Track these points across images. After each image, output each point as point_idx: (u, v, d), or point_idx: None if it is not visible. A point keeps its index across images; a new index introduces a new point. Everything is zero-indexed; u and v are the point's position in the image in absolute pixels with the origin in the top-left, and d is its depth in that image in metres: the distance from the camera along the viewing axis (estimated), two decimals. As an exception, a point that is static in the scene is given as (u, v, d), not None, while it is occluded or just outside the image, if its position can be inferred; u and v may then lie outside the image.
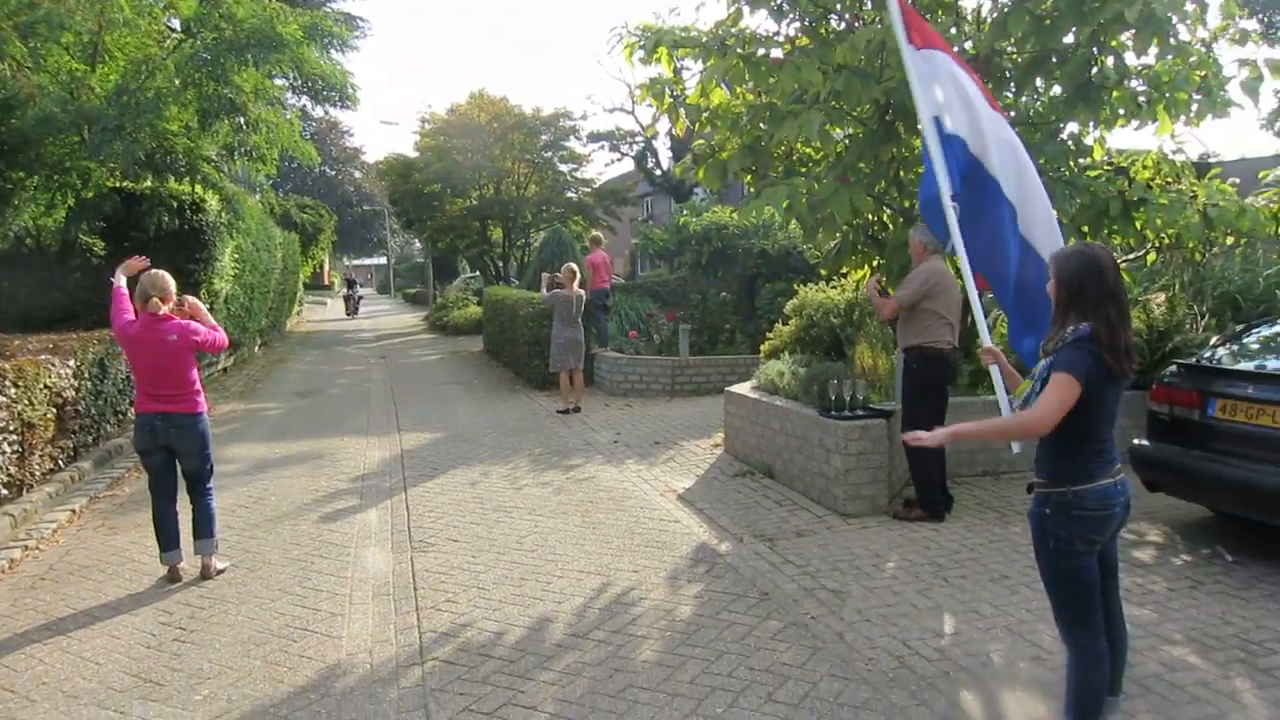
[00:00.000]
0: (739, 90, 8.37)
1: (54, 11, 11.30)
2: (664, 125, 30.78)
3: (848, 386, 6.94)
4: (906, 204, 7.96)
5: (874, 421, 6.69)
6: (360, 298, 37.86)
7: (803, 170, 8.35)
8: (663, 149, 31.08)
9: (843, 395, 6.90)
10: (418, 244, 73.00)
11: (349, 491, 7.80)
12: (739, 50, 7.16)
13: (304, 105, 23.50)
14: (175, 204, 12.65)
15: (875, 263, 8.47)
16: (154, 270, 5.60)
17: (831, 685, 3.94)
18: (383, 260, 72.61)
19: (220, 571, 5.70)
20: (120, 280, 5.66)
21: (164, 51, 12.72)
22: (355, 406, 12.71)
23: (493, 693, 3.98)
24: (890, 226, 8.28)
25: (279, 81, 13.17)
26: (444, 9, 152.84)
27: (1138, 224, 7.29)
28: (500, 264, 28.25)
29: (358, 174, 64.33)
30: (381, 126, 72.95)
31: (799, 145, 8.51)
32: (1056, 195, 6.59)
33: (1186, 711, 3.62)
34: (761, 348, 11.30)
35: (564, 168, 27.39)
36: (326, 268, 63.74)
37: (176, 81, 11.96)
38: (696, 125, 8.62)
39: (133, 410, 10.15)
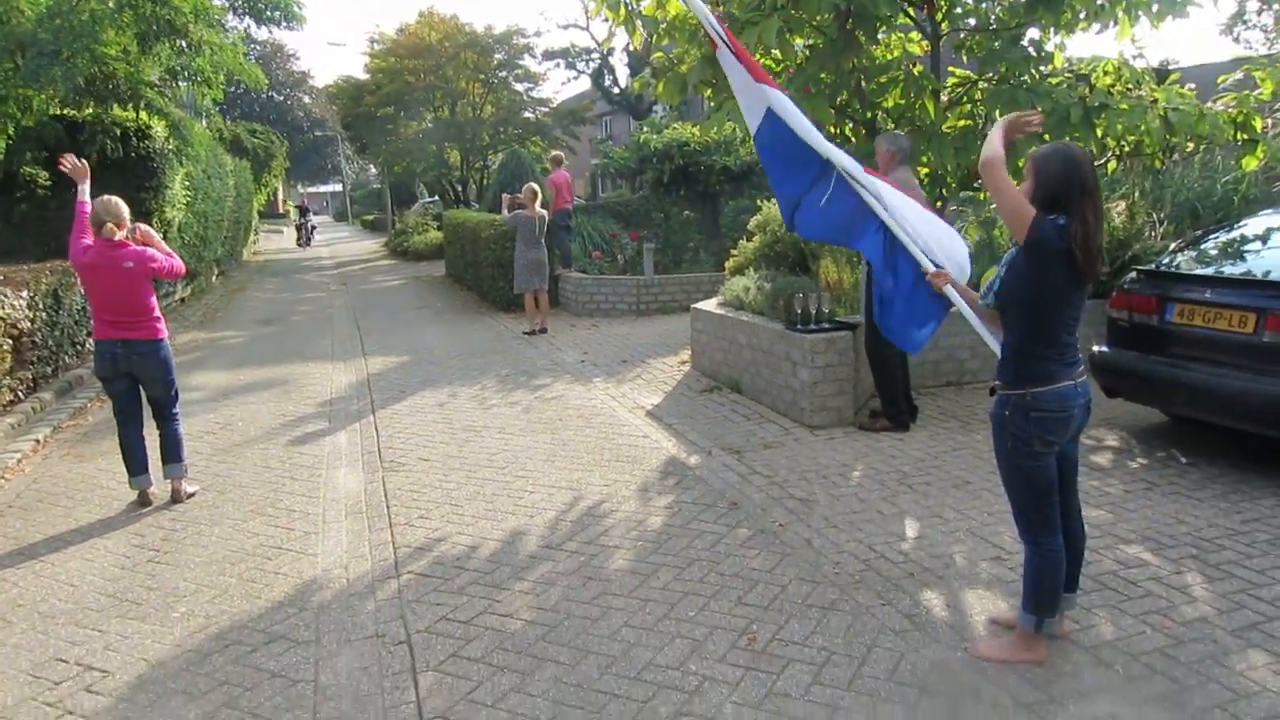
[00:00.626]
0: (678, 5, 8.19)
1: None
2: (621, 41, 30.22)
3: (814, 300, 6.99)
4: (869, 115, 7.92)
5: (840, 334, 6.76)
6: (314, 226, 34.94)
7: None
8: (620, 66, 30.51)
9: (809, 309, 6.95)
10: (373, 170, 71.59)
11: (317, 415, 7.78)
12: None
13: (247, 27, 22.69)
14: (119, 131, 12.24)
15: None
16: (107, 196, 5.46)
17: (800, 588, 4.06)
18: (338, 187, 71.09)
19: (191, 495, 5.71)
20: (84, 193, 5.50)
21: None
22: (319, 333, 12.59)
23: (468, 602, 4.07)
24: (853, 139, 8.26)
25: (218, 2, 12.64)
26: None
27: (1099, 130, 7.32)
28: (459, 187, 27.81)
29: (307, 99, 62.46)
30: (328, 49, 70.50)
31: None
32: (1019, 103, 6.60)
33: (1140, 605, 3.78)
34: (726, 265, 11.32)
35: (519, 87, 26.85)
36: (280, 195, 62.27)
37: (111, 3, 11.46)
38: (654, 38, 8.48)
39: (91, 340, 10.04)
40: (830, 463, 5.86)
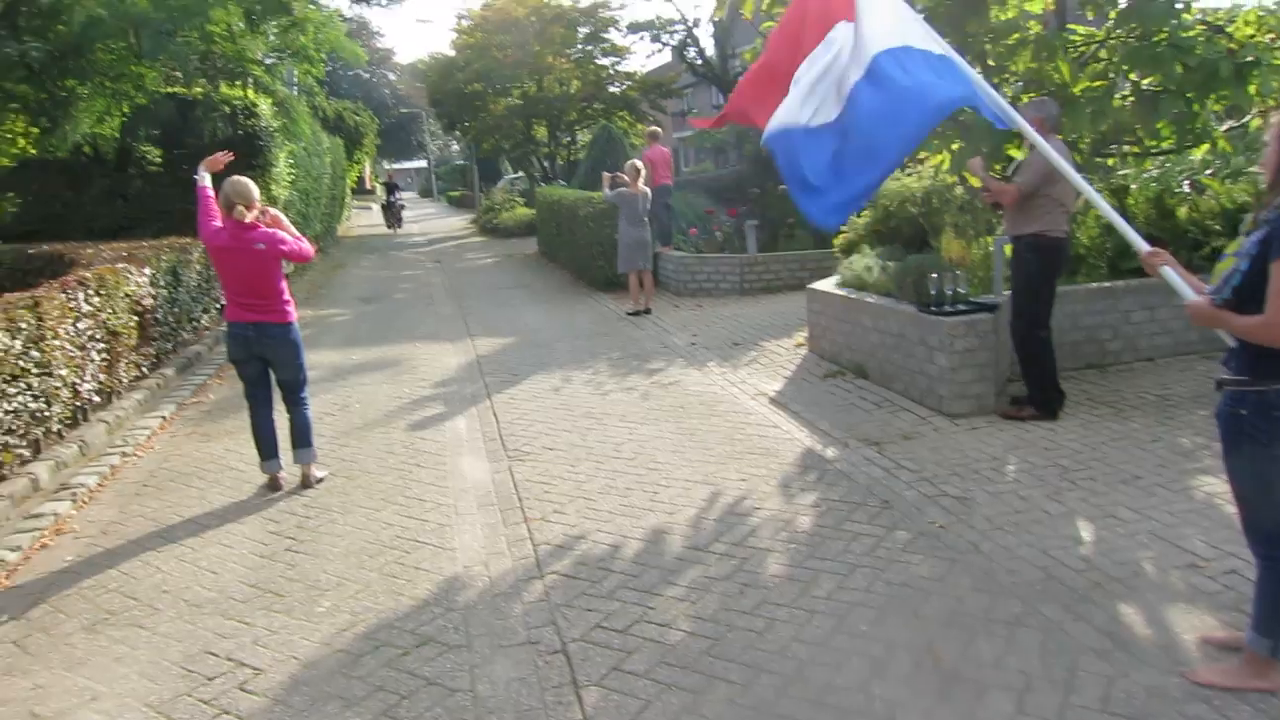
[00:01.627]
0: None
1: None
2: (706, 12, 29.61)
3: (948, 280, 6.60)
4: (995, 80, 7.46)
5: (980, 316, 6.37)
6: (403, 205, 30.09)
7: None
8: (705, 37, 29.89)
9: (943, 289, 6.57)
10: (456, 146, 72.19)
11: (433, 398, 7.70)
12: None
13: (337, 7, 22.92)
14: (228, 109, 12.38)
15: (955, 146, 8.04)
16: (236, 176, 5.38)
17: (978, 600, 3.76)
18: (422, 164, 71.89)
19: (320, 480, 5.65)
20: (205, 179, 5.44)
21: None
22: (422, 312, 12.59)
23: (621, 609, 3.87)
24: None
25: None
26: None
27: (1251, 88, 6.72)
28: (547, 164, 27.69)
29: (392, 76, 63.18)
30: (411, 27, 71.09)
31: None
32: (1161, 60, 6.11)
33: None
34: (834, 241, 10.92)
35: (605, 61, 26.51)
36: (368, 172, 63.31)
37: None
38: (765, 5, 8.15)
39: (207, 317, 10.19)
40: (979, 456, 5.50)
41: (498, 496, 5.31)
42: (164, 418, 7.22)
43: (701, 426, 6.45)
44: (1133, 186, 8.49)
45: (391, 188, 29.66)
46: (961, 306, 6.51)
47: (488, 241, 24.58)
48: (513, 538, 4.71)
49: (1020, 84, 7.39)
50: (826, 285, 8.39)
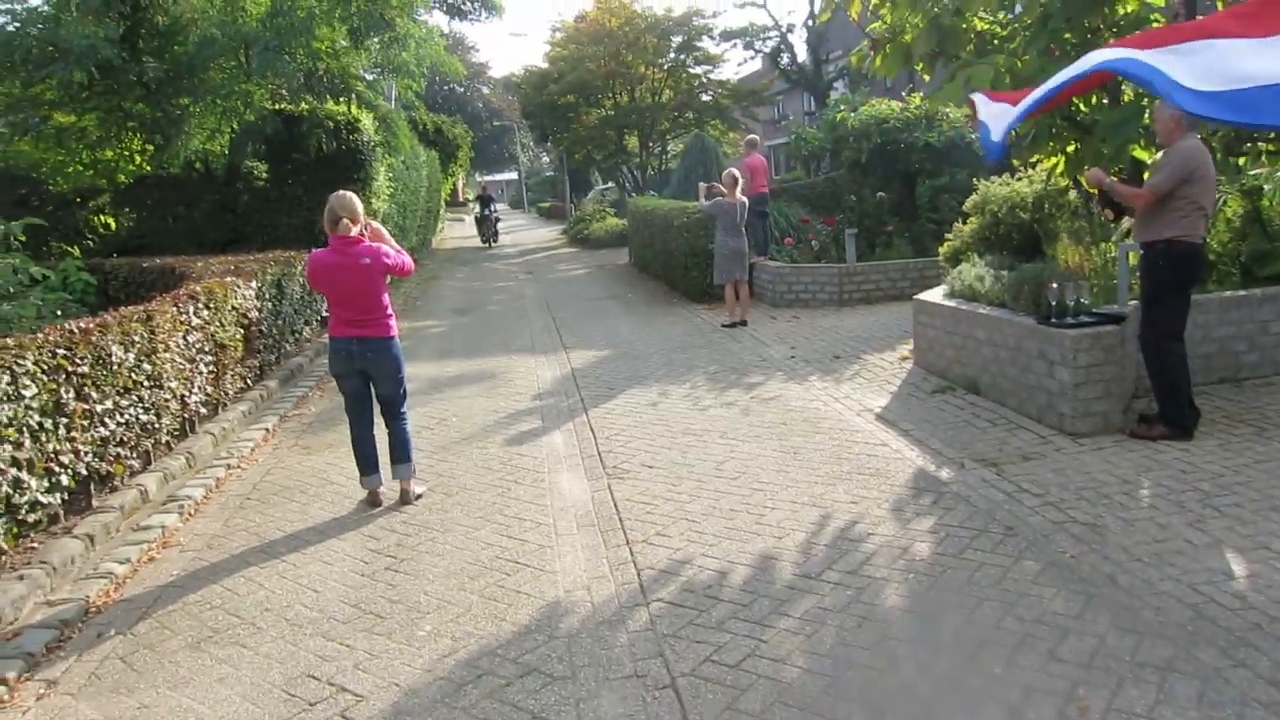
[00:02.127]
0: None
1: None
2: (800, 17, 29.24)
3: (1070, 290, 6.21)
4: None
5: (1106, 329, 5.97)
6: (498, 218, 28.30)
7: (990, 47, 7.54)
8: (798, 43, 29.54)
9: (1064, 300, 6.18)
10: (546, 158, 73.11)
11: (528, 412, 7.63)
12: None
13: (436, 23, 23.34)
14: (332, 125, 12.64)
15: (1070, 149, 7.62)
16: (341, 190, 5.38)
17: (1122, 641, 3.45)
18: (512, 175, 72.97)
19: (419, 496, 5.60)
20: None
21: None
22: (515, 323, 12.62)
23: (732, 641, 3.67)
24: (1084, 106, 7.40)
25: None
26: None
27: None
28: (638, 174, 27.69)
29: (485, 89, 64.33)
30: (504, 41, 72.34)
31: (984, 23, 7.68)
32: None
33: None
34: (940, 250, 10.53)
35: (698, 70, 26.41)
36: (461, 184, 64.53)
37: (326, 0, 11.81)
38: (871, 7, 7.89)
39: (309, 329, 10.37)
40: (1108, 479, 5.13)
41: (598, 516, 5.17)
42: (267, 430, 7.31)
43: (806, 444, 6.20)
44: (1266, 188, 7.93)
45: (486, 200, 27.81)
46: (1085, 318, 6.12)
47: (579, 252, 24.66)
48: (615, 561, 4.55)
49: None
50: (934, 296, 8.04)
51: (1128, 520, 4.55)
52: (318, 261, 5.32)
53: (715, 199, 10.95)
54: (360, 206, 5.36)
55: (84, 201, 13.00)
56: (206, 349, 6.97)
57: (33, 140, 12.21)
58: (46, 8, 11.23)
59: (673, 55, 25.39)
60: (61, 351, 4.87)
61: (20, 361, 4.49)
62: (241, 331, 7.85)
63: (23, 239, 9.01)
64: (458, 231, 37.85)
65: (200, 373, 6.83)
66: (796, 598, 4.00)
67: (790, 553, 4.48)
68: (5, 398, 4.38)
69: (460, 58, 61.06)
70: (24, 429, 4.51)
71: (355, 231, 5.27)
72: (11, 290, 7.81)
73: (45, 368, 4.73)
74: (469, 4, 12.77)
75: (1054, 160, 8.00)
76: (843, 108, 14.83)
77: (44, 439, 4.69)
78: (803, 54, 28.79)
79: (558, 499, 5.49)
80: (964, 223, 10.25)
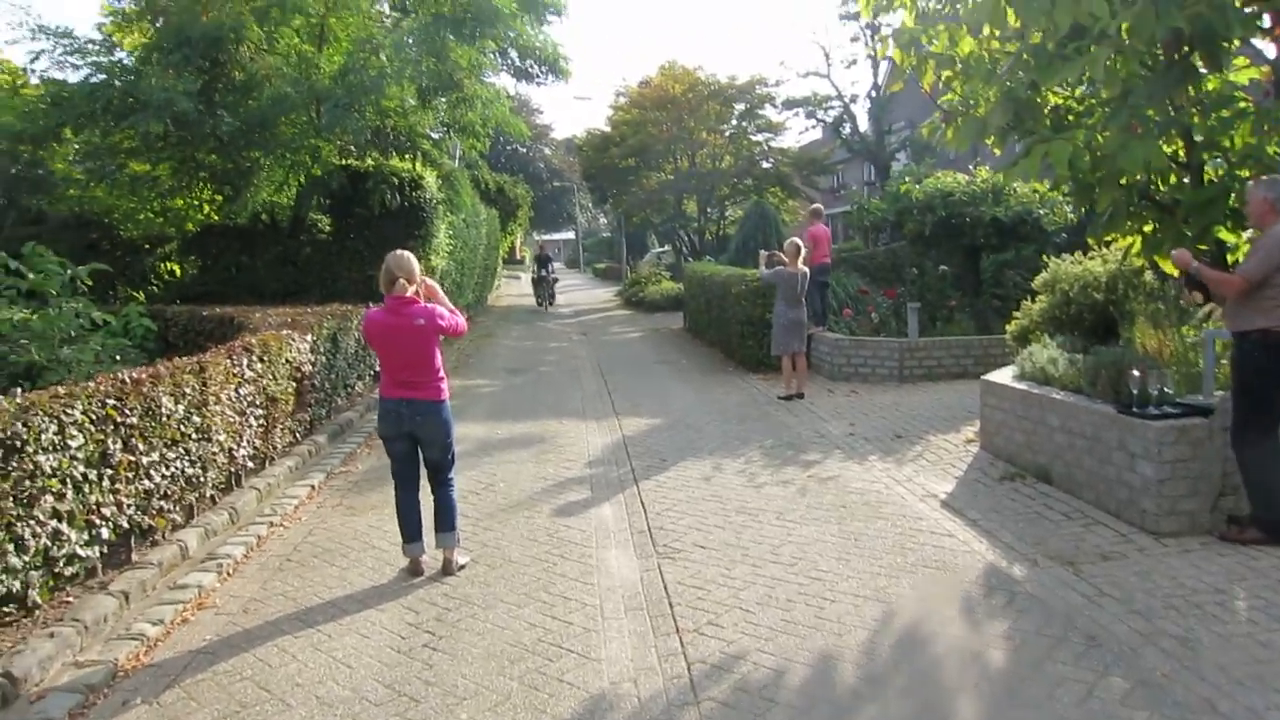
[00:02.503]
0: (983, 38, 7.39)
1: (289, -7, 11.56)
2: (863, 88, 29.31)
3: (1154, 378, 5.88)
4: (1204, 158, 6.78)
5: (1193, 421, 5.61)
6: (556, 279, 26.70)
7: (1067, 122, 7.32)
8: (860, 113, 29.58)
9: (1145, 388, 5.85)
10: (603, 220, 74.03)
11: (577, 481, 7.43)
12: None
13: (503, 85, 23.86)
14: (396, 181, 12.79)
15: (1147, 228, 7.32)
16: (399, 250, 5.31)
17: (1230, 782, 3.09)
18: (569, 235, 73.90)
19: (462, 567, 5.40)
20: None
21: (384, 31, 12.85)
22: (568, 386, 12.49)
23: (790, 751, 3.38)
24: (1164, 185, 7.12)
25: (492, 57, 13.04)
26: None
27: None
28: (695, 238, 27.73)
29: (547, 151, 65.55)
30: (566, 105, 73.90)
31: (1060, 98, 7.47)
32: None
33: None
34: (1006, 328, 10.20)
35: (759, 137, 26.54)
36: (518, 243, 65.42)
37: (397, 60, 12.03)
38: (944, 78, 7.72)
39: (361, 384, 10.34)
40: (1199, 586, 4.75)
41: (647, 600, 4.91)
42: (312, 487, 7.20)
43: (867, 530, 5.90)
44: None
45: (544, 260, 26.35)
46: (1169, 408, 5.77)
47: (633, 315, 24.63)
48: (664, 651, 4.28)
49: (1235, 161, 6.69)
50: (1003, 377, 7.73)
51: (1224, 636, 4.18)
52: (372, 320, 5.24)
53: (777, 268, 10.77)
54: (417, 267, 5.28)
55: (152, 248, 13.28)
56: (258, 402, 6.91)
57: (107, 187, 12.53)
58: (130, 61, 11.60)
59: (735, 122, 25.54)
60: (111, 402, 4.81)
61: (69, 411, 4.43)
62: (294, 385, 7.80)
63: (89, 283, 9.14)
64: (513, 289, 38.22)
65: (250, 426, 6.75)
66: (860, 705, 3.70)
67: (852, 652, 4.17)
68: (51, 447, 4.30)
69: (525, 119, 62.33)
70: (67, 480, 4.43)
71: (411, 291, 5.17)
72: (73, 334, 7.87)
73: (94, 418, 4.67)
74: (536, 68, 12.90)
75: (1130, 239, 7.70)
76: (907, 179, 14.63)
77: (87, 490, 4.60)
78: (864, 123, 28.83)
79: (605, 578, 5.25)
80: (1032, 300, 9.94)
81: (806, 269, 10.86)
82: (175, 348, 9.95)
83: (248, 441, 6.72)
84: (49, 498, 4.28)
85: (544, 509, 6.66)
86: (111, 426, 4.80)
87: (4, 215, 12.83)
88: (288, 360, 7.59)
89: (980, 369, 11.83)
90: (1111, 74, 6.28)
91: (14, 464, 4.05)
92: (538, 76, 12.91)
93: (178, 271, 13.38)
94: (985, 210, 13.53)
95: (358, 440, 8.87)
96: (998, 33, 7.00)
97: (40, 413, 4.24)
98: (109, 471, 4.79)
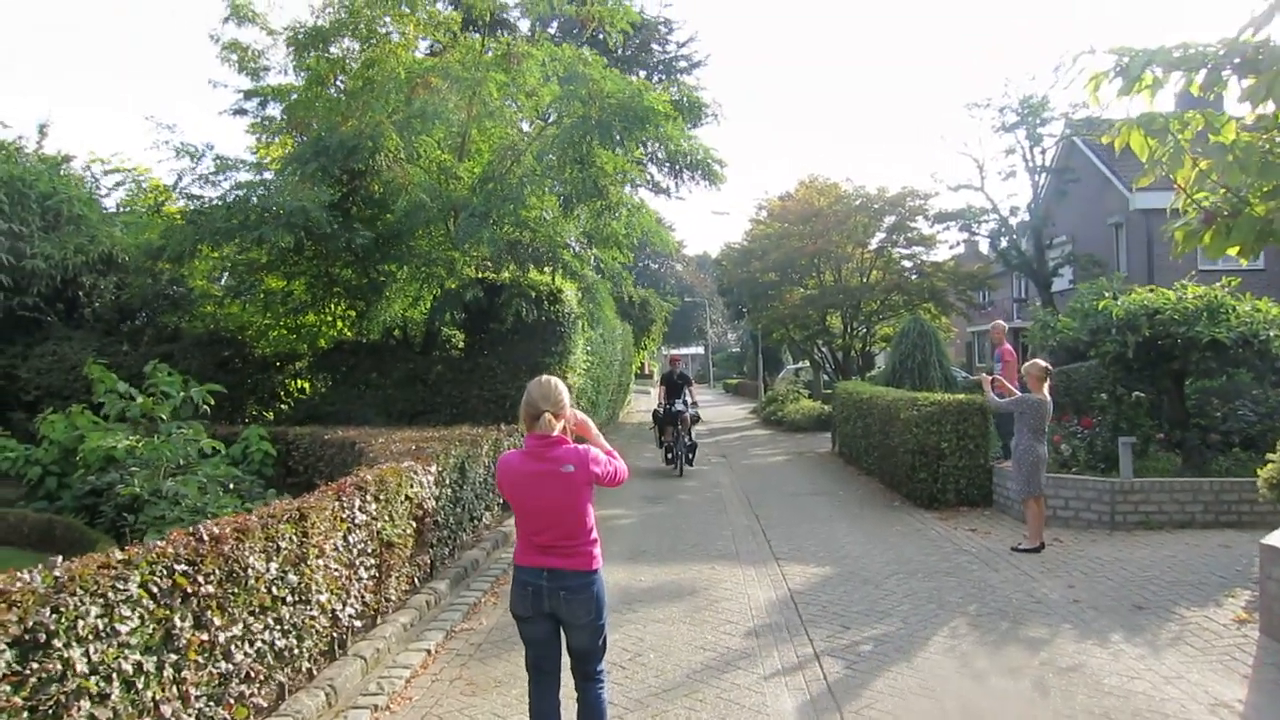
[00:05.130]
0: (1268, 126, 5.99)
1: (430, 103, 11.16)
2: (1023, 199, 27.57)
3: None
4: None
5: None
6: (696, 414, 15.82)
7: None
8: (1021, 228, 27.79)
9: None
10: (731, 335, 73.29)
11: (744, 656, 6.04)
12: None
13: (640, 197, 23.47)
14: (534, 294, 12.04)
15: None
16: (545, 376, 4.22)
17: None
18: (697, 349, 73.45)
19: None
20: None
21: (526, 139, 12.36)
22: (713, 519, 11.15)
23: None
24: None
25: (641, 163, 12.31)
26: (766, 96, 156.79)
27: None
28: (839, 355, 26.29)
29: (679, 266, 65.82)
30: (697, 218, 74.46)
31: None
32: None
33: None
34: (1259, 473, 8.38)
35: (910, 250, 25.22)
36: (647, 357, 65.16)
37: (539, 167, 11.44)
38: (1197, 170, 6.32)
39: (489, 515, 9.28)
40: None
41: None
42: (429, 651, 6.05)
43: (1158, 764, 4.29)
44: None
45: (675, 384, 15.47)
46: None
47: (773, 435, 23.18)
48: None
49: None
50: (1289, 542, 6.02)
51: None
52: (509, 466, 4.10)
53: (1024, 394, 9.12)
54: (568, 397, 4.15)
55: (282, 365, 12.88)
56: (369, 550, 5.87)
57: (242, 303, 12.24)
58: (270, 175, 11.37)
59: (882, 235, 24.34)
60: (182, 568, 3.80)
61: (119, 586, 3.41)
62: (414, 525, 6.77)
63: (210, 403, 8.53)
64: (642, 404, 37.32)
65: (359, 579, 5.71)
66: None
67: None
68: (92, 636, 3.28)
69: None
70: (114, 676, 3.39)
71: (559, 429, 4.05)
72: (182, 461, 7.13)
73: (157, 589, 3.65)
74: (686, 173, 12.02)
75: None
76: (1106, 294, 12.94)
77: (141, 685, 3.55)
78: (1024, 242, 27.09)
79: (806, 828, 3.83)
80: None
81: (1050, 398, 9.18)
82: (295, 473, 9.22)
83: (355, 597, 5.66)
84: (84, 703, 3.23)
85: (707, 695, 5.30)
86: (180, 599, 3.78)
87: (141, 333, 12.70)
88: (407, 497, 6.59)
89: (1210, 517, 9.93)
90: None
91: (34, 664, 3.03)
92: (694, 179, 11.98)
93: (307, 389, 12.90)
94: (1202, 330, 11.69)
95: (484, 586, 7.75)
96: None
97: (80, 590, 3.23)
98: (174, 656, 3.74)
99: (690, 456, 15.36)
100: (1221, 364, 12.69)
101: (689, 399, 15.36)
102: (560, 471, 3.95)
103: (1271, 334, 11.61)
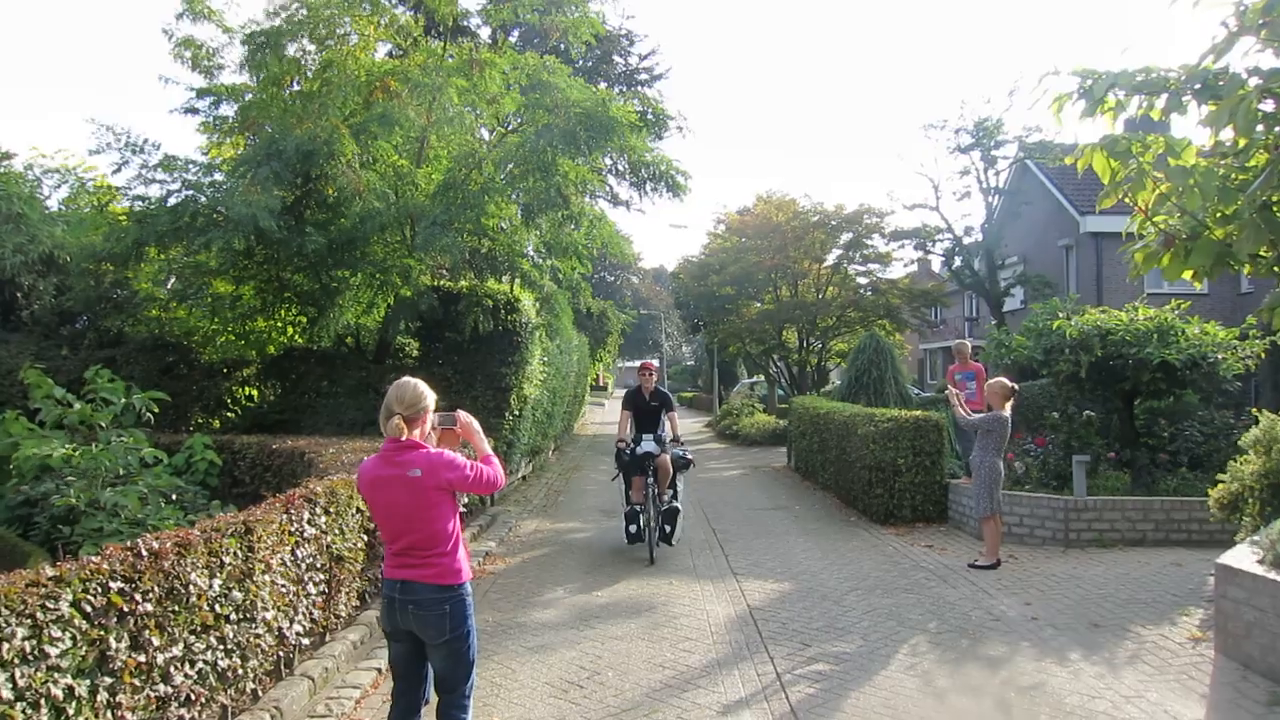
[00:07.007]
0: (1224, 151, 6.07)
1: (389, 107, 10.96)
2: (977, 219, 27.97)
3: None
4: None
5: None
6: (690, 459, 10.58)
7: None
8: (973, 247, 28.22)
9: None
10: (686, 349, 73.41)
11: (703, 674, 5.92)
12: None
13: (600, 208, 23.33)
14: (491, 303, 11.85)
15: None
16: (405, 378, 4.00)
17: None
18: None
19: None
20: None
21: (486, 147, 12.19)
22: (670, 534, 11.03)
23: None
24: None
25: (602, 173, 12.21)
26: (726, 110, 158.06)
27: None
28: (795, 369, 26.40)
29: (634, 279, 65.81)
30: (653, 232, 74.66)
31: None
32: None
33: None
34: (1210, 493, 8.49)
35: (866, 267, 25.45)
36: (602, 369, 64.96)
37: (500, 176, 11.28)
38: (1157, 193, 6.38)
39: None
40: None
41: None
42: (379, 670, 5.83)
43: (1123, 787, 4.25)
44: None
45: (651, 409, 10.13)
46: None
47: (728, 449, 23.16)
48: None
49: None
50: (1246, 562, 6.06)
51: None
52: (363, 470, 3.90)
53: (991, 413, 9.12)
54: (430, 399, 3.92)
55: (230, 372, 12.52)
56: (319, 564, 5.66)
57: (189, 308, 11.87)
58: (221, 176, 11.05)
59: (839, 251, 24.52)
60: (118, 585, 3.59)
61: (49, 605, 3.20)
62: (365, 538, 6.56)
63: (155, 410, 8.22)
64: (596, 416, 37.19)
65: (308, 594, 5.49)
66: None
67: None
68: (18, 659, 3.06)
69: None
70: (41, 702, 3.17)
71: (419, 433, 3.85)
72: (122, 471, 6.83)
73: (91, 608, 3.44)
74: (649, 184, 11.88)
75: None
76: (1060, 315, 13.09)
77: (71, 711, 3.33)
78: (976, 261, 27.48)
79: None
80: (1241, 462, 8.25)
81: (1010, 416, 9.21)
82: (242, 484, 8.92)
83: (303, 614, 5.44)
84: (6, 732, 3.02)
85: (668, 717, 5.17)
86: (115, 618, 3.57)
87: (82, 337, 12.26)
88: (359, 509, 6.38)
89: (1161, 535, 10.04)
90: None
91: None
92: (657, 192, 11.85)
93: (255, 397, 12.55)
94: (1153, 352, 11.88)
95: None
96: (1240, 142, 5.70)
97: (6, 610, 3.01)
98: (108, 681, 3.52)
99: (670, 529, 9.84)
100: (1170, 385, 12.89)
101: (669, 431, 10.13)
102: (407, 476, 3.75)
103: (1219, 356, 11.84)
